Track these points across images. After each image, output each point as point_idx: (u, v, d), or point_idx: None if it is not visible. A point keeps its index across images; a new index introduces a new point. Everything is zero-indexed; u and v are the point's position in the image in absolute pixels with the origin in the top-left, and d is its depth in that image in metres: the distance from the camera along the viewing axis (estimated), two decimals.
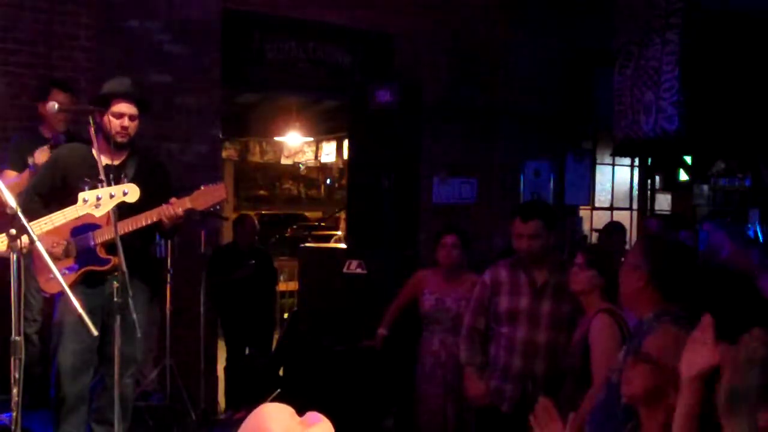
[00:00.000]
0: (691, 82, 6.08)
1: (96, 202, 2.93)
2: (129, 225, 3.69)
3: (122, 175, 3.71)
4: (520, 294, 3.84)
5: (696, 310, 2.63)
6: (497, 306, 3.89)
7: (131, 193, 3.04)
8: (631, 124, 6.54)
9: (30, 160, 4.60)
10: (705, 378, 1.85)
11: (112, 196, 2.97)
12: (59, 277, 2.47)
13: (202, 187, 3.83)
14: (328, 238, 11.25)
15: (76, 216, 3.02)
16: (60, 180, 3.84)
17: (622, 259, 3.14)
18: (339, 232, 11.60)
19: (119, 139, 3.83)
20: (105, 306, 3.66)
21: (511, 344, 3.82)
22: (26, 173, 4.44)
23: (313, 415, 1.24)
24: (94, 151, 3.66)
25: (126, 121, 3.85)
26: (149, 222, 3.73)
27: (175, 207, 3.73)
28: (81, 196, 2.95)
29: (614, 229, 6.52)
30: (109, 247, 3.72)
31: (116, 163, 3.81)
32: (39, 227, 2.95)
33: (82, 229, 3.75)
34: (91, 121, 3.57)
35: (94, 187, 3.15)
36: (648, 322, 2.58)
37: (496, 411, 3.86)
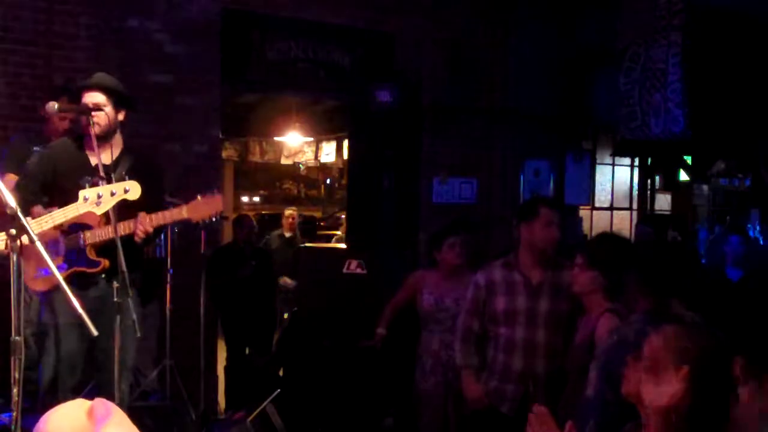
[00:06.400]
0: (693, 82, 6.09)
1: (97, 200, 2.89)
2: (110, 232, 3.55)
3: (112, 173, 3.60)
4: (517, 294, 3.81)
5: (693, 305, 2.64)
6: (494, 307, 3.86)
7: (132, 190, 2.97)
8: (642, 126, 6.55)
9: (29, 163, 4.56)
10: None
11: (113, 194, 2.90)
12: (58, 276, 2.46)
13: (199, 198, 3.66)
14: (329, 238, 11.23)
15: (77, 214, 2.98)
16: (51, 175, 3.75)
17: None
18: (338, 232, 11.58)
19: (91, 129, 3.58)
20: (93, 309, 3.57)
21: (511, 345, 3.80)
22: None
23: (100, 408, 1.22)
24: (91, 149, 3.60)
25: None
26: (121, 234, 3.54)
27: (144, 224, 3.59)
28: (81, 194, 2.89)
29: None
30: (100, 249, 3.64)
31: (108, 162, 3.73)
32: (39, 225, 2.93)
33: (73, 228, 3.63)
34: (90, 121, 3.56)
35: (95, 184, 3.10)
36: (646, 320, 2.58)
37: (495, 412, 3.84)
